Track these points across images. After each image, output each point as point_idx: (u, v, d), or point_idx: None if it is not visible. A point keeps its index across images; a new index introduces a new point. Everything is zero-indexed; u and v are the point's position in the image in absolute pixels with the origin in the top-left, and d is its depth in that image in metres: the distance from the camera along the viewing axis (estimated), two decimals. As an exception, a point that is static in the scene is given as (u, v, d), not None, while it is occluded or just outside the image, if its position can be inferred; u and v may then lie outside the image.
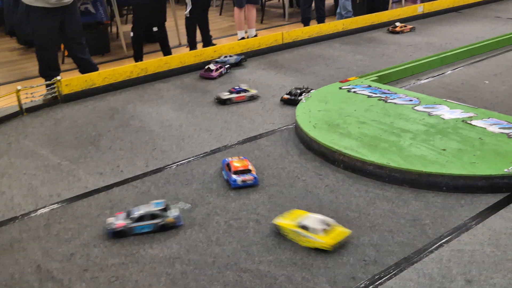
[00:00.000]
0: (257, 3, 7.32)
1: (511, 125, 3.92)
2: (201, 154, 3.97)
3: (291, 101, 4.83)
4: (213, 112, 4.78)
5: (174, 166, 3.80)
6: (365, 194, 3.34)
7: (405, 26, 7.35)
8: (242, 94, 4.99)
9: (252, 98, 5.01)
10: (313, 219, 2.89)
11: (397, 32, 7.23)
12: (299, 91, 4.87)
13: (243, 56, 6.13)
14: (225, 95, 4.96)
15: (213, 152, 4.00)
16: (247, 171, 3.48)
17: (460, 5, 8.71)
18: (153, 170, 3.76)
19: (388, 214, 3.12)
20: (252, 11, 7.10)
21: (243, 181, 3.45)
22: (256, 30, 7.46)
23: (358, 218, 3.09)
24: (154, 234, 2.99)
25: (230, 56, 6.09)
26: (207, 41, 6.91)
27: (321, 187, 3.44)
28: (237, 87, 5.08)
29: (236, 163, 3.54)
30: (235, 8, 6.95)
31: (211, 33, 7.10)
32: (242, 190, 3.41)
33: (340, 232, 2.88)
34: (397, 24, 7.35)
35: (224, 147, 4.08)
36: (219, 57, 6.05)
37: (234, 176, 3.46)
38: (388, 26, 7.43)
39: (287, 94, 4.95)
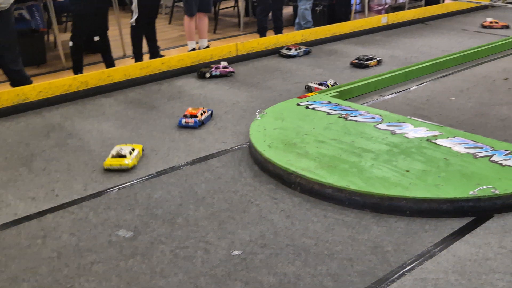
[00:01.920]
0: (209, 12, 7.34)
1: (477, 145, 4.03)
2: (145, 177, 3.95)
3: (359, 65, 6.41)
4: (159, 130, 4.76)
5: (116, 190, 3.77)
6: (324, 220, 3.37)
7: (496, 23, 7.46)
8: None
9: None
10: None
11: (487, 27, 7.48)
12: (366, 57, 6.49)
13: (310, 48, 7.20)
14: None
15: (159, 174, 3.98)
16: (194, 116, 4.76)
17: (426, 17, 8.94)
18: (92, 194, 3.72)
19: (347, 241, 3.16)
20: (203, 20, 7.11)
21: (185, 122, 4.76)
22: (209, 41, 7.48)
23: (315, 246, 3.11)
24: (92, 265, 2.95)
25: (300, 48, 7.08)
26: (154, 52, 6.89)
27: (276, 212, 3.46)
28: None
29: (191, 109, 4.89)
30: (185, 17, 6.96)
31: (159, 43, 7.08)
32: (190, 216, 3.40)
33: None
34: (488, 19, 7.49)
35: (170, 168, 4.06)
36: (289, 50, 7.01)
37: (182, 117, 4.78)
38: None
39: (356, 59, 6.52)
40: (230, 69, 6.24)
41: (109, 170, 4.04)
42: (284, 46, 7.14)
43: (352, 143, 4.10)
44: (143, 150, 4.33)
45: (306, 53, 7.13)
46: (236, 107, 5.26)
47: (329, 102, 4.91)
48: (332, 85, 5.57)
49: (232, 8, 10.11)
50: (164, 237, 3.21)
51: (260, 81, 6.03)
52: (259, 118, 4.58)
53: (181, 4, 7.67)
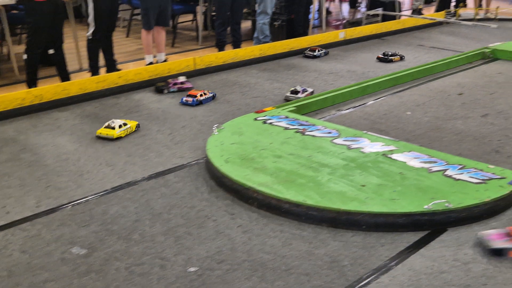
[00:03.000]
0: (167, 25, 7.33)
1: (431, 159, 4.11)
2: (101, 192, 3.91)
3: (385, 59, 7.50)
4: (116, 145, 4.73)
5: (70, 206, 3.72)
6: (281, 234, 3.39)
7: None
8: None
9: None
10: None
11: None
12: (390, 53, 7.55)
13: (328, 51, 7.96)
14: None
15: (115, 189, 3.95)
16: (193, 96, 5.67)
17: (383, 32, 9.10)
18: (46, 210, 3.66)
19: (304, 255, 3.18)
20: (161, 34, 7.10)
21: (185, 100, 5.69)
22: (166, 55, 7.47)
23: (272, 261, 3.12)
24: (45, 284, 2.90)
25: (321, 50, 7.81)
26: (111, 66, 6.85)
27: (233, 227, 3.46)
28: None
29: (193, 90, 5.81)
30: (143, 30, 6.94)
31: (116, 56, 7.05)
32: (146, 232, 3.38)
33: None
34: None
35: (126, 184, 4.03)
36: (310, 50, 7.73)
37: (184, 97, 5.73)
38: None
39: (382, 54, 7.60)
40: (188, 84, 6.22)
41: (99, 137, 4.85)
42: (307, 48, 7.90)
43: (309, 157, 4.13)
44: (137, 126, 5.05)
45: (326, 54, 7.93)
46: (194, 121, 5.26)
47: (287, 117, 4.94)
48: (311, 93, 5.93)
49: (190, 22, 10.12)
50: (119, 253, 3.18)
51: (218, 95, 6.04)
52: (217, 133, 4.59)
53: (139, 17, 7.65)
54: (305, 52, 7.84)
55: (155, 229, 3.43)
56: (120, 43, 8.76)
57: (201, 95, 5.76)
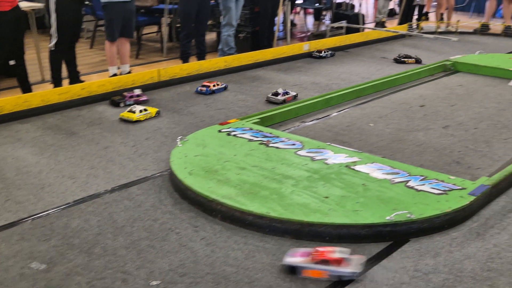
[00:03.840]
0: (131, 37, 7.29)
1: (394, 170, 4.16)
2: (62, 206, 3.85)
3: (398, 60, 8.24)
4: (79, 157, 4.67)
5: (30, 220, 3.65)
6: (244, 247, 3.38)
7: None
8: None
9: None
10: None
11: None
12: (404, 55, 8.32)
13: (334, 52, 8.64)
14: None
15: (77, 202, 3.90)
16: (207, 86, 6.48)
17: (346, 45, 9.19)
18: (5, 225, 3.59)
19: (268, 268, 3.17)
20: (125, 45, 7.06)
21: (200, 89, 6.48)
22: (131, 66, 7.43)
23: (235, 273, 3.11)
24: (3, 299, 2.84)
25: (327, 51, 8.50)
26: (74, 77, 6.78)
27: (196, 240, 3.44)
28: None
29: (207, 81, 6.55)
30: (106, 42, 6.89)
31: (79, 68, 6.99)
32: (109, 246, 3.34)
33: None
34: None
35: (89, 196, 3.98)
36: (317, 51, 8.44)
37: (199, 86, 6.52)
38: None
39: (398, 56, 8.32)
40: (144, 97, 6.14)
41: (121, 119, 5.53)
42: (315, 50, 8.54)
43: (273, 169, 4.14)
44: (157, 113, 5.68)
45: (332, 55, 8.61)
46: (158, 133, 5.23)
47: (251, 129, 4.95)
48: (295, 96, 6.33)
49: (155, 33, 10.09)
50: (80, 268, 3.13)
51: (182, 107, 6.02)
52: (180, 145, 4.57)
53: (103, 28, 7.60)
54: (313, 53, 8.51)
55: (118, 242, 3.40)
56: (84, 54, 8.70)
57: (214, 86, 6.55)
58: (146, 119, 5.55)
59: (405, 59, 8.32)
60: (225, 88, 6.67)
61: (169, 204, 3.89)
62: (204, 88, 6.51)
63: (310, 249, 3.18)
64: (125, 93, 6.12)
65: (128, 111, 5.57)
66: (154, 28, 10.04)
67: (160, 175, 4.35)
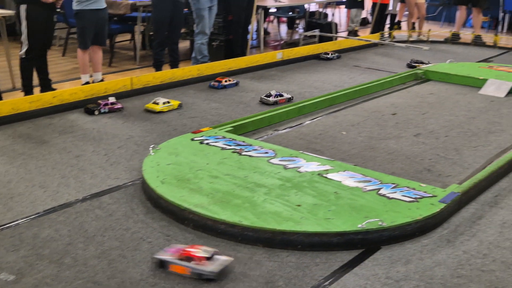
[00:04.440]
0: (104, 45, 7.25)
1: (366, 178, 4.18)
2: (32, 215, 3.80)
3: (411, 66, 8.47)
4: (49, 166, 4.62)
5: (-1, 230, 3.60)
6: (216, 256, 3.37)
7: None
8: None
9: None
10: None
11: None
12: (416, 60, 8.59)
13: (340, 55, 9.22)
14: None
15: (47, 212, 3.85)
16: (219, 81, 7.04)
17: (319, 53, 9.23)
18: (-27, 235, 3.54)
19: (239, 277, 3.16)
20: (98, 53, 7.02)
21: (213, 84, 7.09)
22: (103, 74, 7.39)
23: (207, 283, 3.10)
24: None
25: (334, 53, 9.10)
26: (46, 85, 6.72)
27: (168, 249, 3.42)
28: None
29: (220, 78, 7.07)
30: (78, 50, 6.84)
31: (51, 76, 6.93)
32: (79, 256, 3.30)
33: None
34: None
35: (60, 206, 3.93)
36: (325, 53, 9.02)
37: (212, 81, 7.10)
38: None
39: (410, 61, 8.69)
40: (119, 105, 6.11)
41: (146, 110, 6.07)
42: (322, 52, 9.13)
43: (245, 178, 4.14)
44: (179, 105, 6.20)
45: (338, 57, 9.14)
46: (130, 142, 5.20)
47: (224, 137, 4.94)
48: (289, 99, 6.56)
49: (128, 41, 10.05)
50: (50, 278, 3.09)
51: (155, 115, 5.99)
52: (153, 154, 4.54)
53: (76, 36, 7.54)
54: (321, 54, 9.09)
55: (88, 252, 3.36)
56: (56, 62, 8.63)
57: (225, 81, 7.12)
58: (168, 111, 6.08)
59: (416, 64, 8.55)
60: (236, 84, 7.23)
61: (141, 213, 3.86)
62: (217, 83, 7.07)
63: (183, 246, 3.25)
64: (100, 101, 6.08)
65: (152, 103, 6.10)
66: (127, 36, 10.01)
67: (132, 184, 4.32)
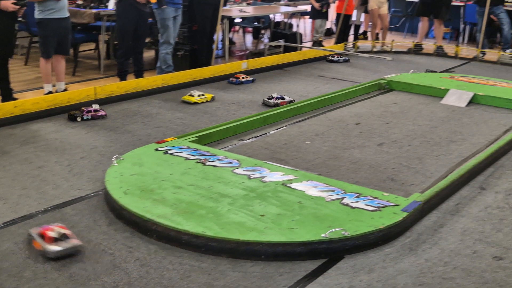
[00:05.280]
0: (67, 54, 7.16)
1: (329, 188, 4.19)
2: (-9, 228, 3.73)
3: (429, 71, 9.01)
4: (10, 177, 4.53)
5: (-43, 243, 3.52)
6: (179, 267, 3.34)
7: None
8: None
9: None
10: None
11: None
12: (430, 70, 9.02)
13: (348, 58, 9.97)
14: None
15: (7, 224, 3.77)
16: (237, 78, 7.86)
17: (284, 63, 9.27)
18: None
19: (203, 287, 3.15)
20: (61, 63, 6.93)
21: (231, 80, 7.91)
22: (67, 83, 7.30)
23: (171, 294, 3.07)
24: None
25: (340, 56, 9.93)
26: (7, 95, 6.61)
27: (130, 261, 3.38)
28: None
29: (239, 74, 7.99)
30: (41, 59, 6.74)
31: (13, 85, 6.82)
32: (39, 269, 3.24)
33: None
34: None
35: (20, 218, 3.86)
36: (333, 57, 9.87)
37: (231, 77, 7.88)
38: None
39: (426, 70, 9.07)
40: (102, 112, 6.18)
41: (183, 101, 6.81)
42: (329, 55, 9.92)
43: (209, 188, 4.12)
44: (212, 98, 6.98)
45: (346, 61, 9.91)
46: (94, 152, 5.14)
47: (188, 147, 4.92)
48: (290, 102, 6.85)
49: (93, 51, 9.95)
50: (9, 292, 3.03)
51: (119, 125, 5.94)
52: (116, 164, 4.49)
53: (38, 45, 7.43)
54: (328, 57, 9.89)
55: (49, 265, 3.30)
56: (18, 71, 8.50)
57: (243, 78, 7.95)
58: (203, 102, 6.83)
59: (433, 71, 8.95)
60: (252, 81, 8.01)
61: (104, 225, 3.81)
62: (235, 79, 7.92)
63: (53, 225, 3.48)
64: (83, 108, 6.11)
65: (188, 95, 6.85)
66: (92, 45, 9.90)
67: (95, 195, 4.27)
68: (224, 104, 6.87)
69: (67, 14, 6.90)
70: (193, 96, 6.82)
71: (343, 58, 9.97)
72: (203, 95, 6.88)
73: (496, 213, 4.24)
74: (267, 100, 6.92)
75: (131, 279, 3.19)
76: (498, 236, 3.89)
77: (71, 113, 6.06)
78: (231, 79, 7.96)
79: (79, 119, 6.00)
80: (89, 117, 6.05)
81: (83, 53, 9.75)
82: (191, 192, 4.04)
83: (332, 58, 9.90)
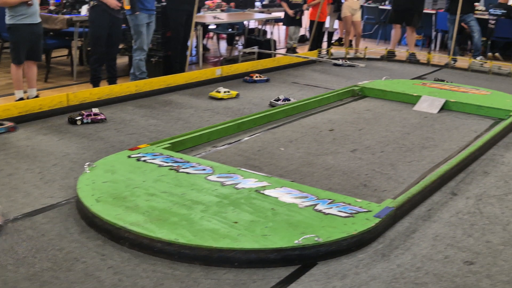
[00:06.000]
0: (39, 60, 7.09)
1: (303, 194, 4.21)
2: (-40, 236, 3.67)
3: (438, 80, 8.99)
4: (-21, 185, 4.47)
5: None
6: (152, 274, 3.32)
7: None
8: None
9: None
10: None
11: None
12: (438, 79, 9.02)
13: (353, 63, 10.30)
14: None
15: (-24, 233, 3.72)
16: (251, 77, 8.48)
17: (258, 70, 9.28)
18: None
19: (176, 296, 3.13)
20: (32, 69, 6.86)
21: (246, 79, 8.45)
22: (40, 90, 7.23)
23: (143, 303, 3.05)
24: None
25: (346, 61, 10.29)
26: (-22, 101, 6.54)
27: (103, 269, 3.35)
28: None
29: (253, 74, 8.61)
30: (12, 65, 6.67)
31: (-17, 92, 6.75)
32: (9, 279, 3.20)
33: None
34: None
35: (-10, 227, 3.81)
36: (338, 60, 10.26)
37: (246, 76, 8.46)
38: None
39: (435, 79, 9.14)
40: (102, 116, 6.27)
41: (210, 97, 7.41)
42: (335, 59, 10.39)
43: (183, 195, 4.10)
44: (237, 95, 7.58)
45: (351, 66, 10.20)
46: (66, 159, 5.09)
47: (161, 154, 4.90)
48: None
49: (65, 57, 9.87)
50: (-22, 302, 2.98)
51: (92, 132, 5.89)
52: (88, 171, 4.46)
53: (9, 50, 7.36)
54: (335, 61, 10.31)
55: (19, 274, 3.25)
56: (-11, 77, 8.40)
57: (256, 77, 8.51)
58: (228, 98, 7.40)
59: (441, 81, 9.01)
60: (266, 81, 8.56)
61: (76, 233, 3.78)
62: (248, 78, 8.48)
63: None
64: (83, 111, 6.22)
65: (215, 91, 7.47)
66: (64, 51, 9.82)
67: (67, 203, 4.22)
68: (198, 111, 6.85)
69: (38, 20, 6.85)
70: (219, 92, 7.41)
71: (348, 63, 10.32)
72: (228, 91, 7.48)
73: (467, 218, 4.29)
74: (274, 101, 7.23)
75: (104, 287, 3.16)
76: (469, 241, 3.93)
77: (71, 116, 6.15)
78: (245, 77, 8.49)
79: (79, 122, 6.10)
80: (89, 120, 6.15)
81: (56, 59, 9.67)
82: (164, 199, 4.02)
83: (337, 62, 10.29)
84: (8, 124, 5.78)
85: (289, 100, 7.22)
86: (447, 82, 8.85)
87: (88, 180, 4.29)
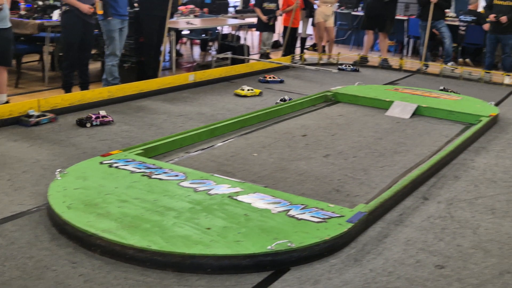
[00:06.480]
0: (9, 65, 7.01)
1: (276, 200, 4.21)
2: None
3: (443, 89, 8.99)
4: None
5: None
6: (124, 282, 3.29)
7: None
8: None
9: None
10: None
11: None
12: (444, 88, 8.97)
13: (357, 67, 10.81)
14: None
15: None
16: (264, 77, 9.04)
17: (232, 75, 9.29)
18: None
19: (148, 303, 3.10)
20: (2, 74, 6.78)
21: (259, 79, 8.95)
22: (10, 95, 7.15)
23: (115, 310, 3.02)
24: None
25: (349, 65, 10.76)
26: None
27: (74, 277, 3.31)
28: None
29: (267, 74, 9.15)
30: (-17, 70, 6.62)
31: (-47, 98, 6.65)
32: (-22, 287, 3.15)
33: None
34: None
35: (-42, 235, 3.74)
36: (341, 65, 10.77)
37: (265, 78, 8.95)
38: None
39: (442, 87, 9.05)
40: (110, 118, 6.41)
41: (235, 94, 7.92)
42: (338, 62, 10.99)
43: (155, 201, 4.08)
44: (260, 93, 8.13)
45: (354, 70, 10.67)
46: (37, 166, 5.03)
47: (134, 160, 4.87)
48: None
49: (37, 62, 9.76)
50: None
51: (64, 138, 5.83)
52: (59, 178, 4.41)
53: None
54: (339, 66, 10.74)
55: (-12, 283, 3.21)
56: (-42, 83, 8.26)
57: (269, 78, 9.03)
58: (252, 96, 7.96)
59: (446, 90, 8.95)
60: (280, 82, 9.04)
61: (46, 240, 3.73)
62: (262, 78, 8.99)
63: None
64: (91, 114, 6.32)
65: (240, 89, 8.02)
66: (36, 57, 9.72)
67: (37, 210, 4.17)
68: (171, 117, 6.83)
69: (8, 25, 6.78)
70: (243, 90, 7.93)
71: (351, 67, 10.74)
72: (252, 89, 7.99)
73: (438, 222, 4.33)
74: (280, 102, 7.51)
75: (74, 295, 3.13)
76: (440, 245, 3.97)
77: (80, 118, 6.27)
78: (260, 77, 9.01)
79: (88, 125, 6.20)
80: (98, 123, 6.25)
81: (27, 64, 9.56)
82: (136, 206, 4.00)
83: (340, 67, 10.65)
84: None
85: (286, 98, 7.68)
86: (452, 92, 8.90)
87: (59, 187, 4.24)
